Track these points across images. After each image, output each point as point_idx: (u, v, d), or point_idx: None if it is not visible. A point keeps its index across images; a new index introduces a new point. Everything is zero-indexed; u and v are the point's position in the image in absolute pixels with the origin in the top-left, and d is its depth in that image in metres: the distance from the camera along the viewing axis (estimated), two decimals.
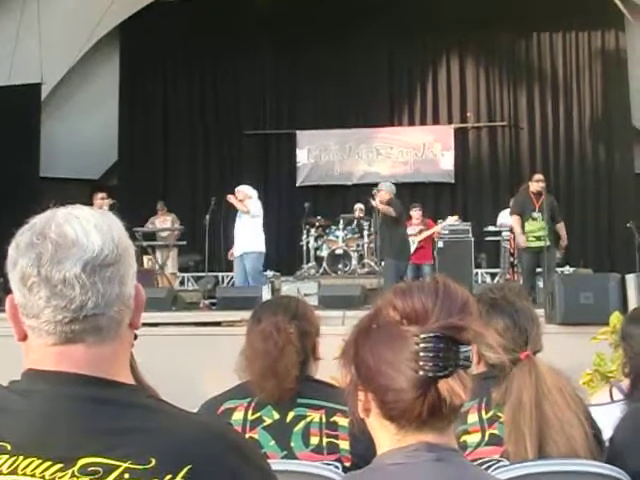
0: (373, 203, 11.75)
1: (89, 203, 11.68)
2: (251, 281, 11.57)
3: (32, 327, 1.38)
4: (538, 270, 11.09)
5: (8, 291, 1.42)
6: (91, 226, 1.39)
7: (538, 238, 10.82)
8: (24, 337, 1.40)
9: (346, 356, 1.54)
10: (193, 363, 7.08)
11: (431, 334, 1.42)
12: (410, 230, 12.71)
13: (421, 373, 1.41)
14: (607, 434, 2.61)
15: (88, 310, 1.36)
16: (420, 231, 12.77)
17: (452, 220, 13.48)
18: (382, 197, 11.64)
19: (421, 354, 1.42)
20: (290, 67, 18.32)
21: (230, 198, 12.05)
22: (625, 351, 3.21)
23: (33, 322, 1.37)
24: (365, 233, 14.82)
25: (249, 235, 11.87)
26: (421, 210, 13.20)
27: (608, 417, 2.75)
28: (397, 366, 1.43)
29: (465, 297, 1.48)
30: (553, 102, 17.92)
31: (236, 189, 12.25)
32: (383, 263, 11.80)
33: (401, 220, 11.77)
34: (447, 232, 13.15)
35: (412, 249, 12.61)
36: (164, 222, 14.93)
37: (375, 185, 12.31)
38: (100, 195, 12.55)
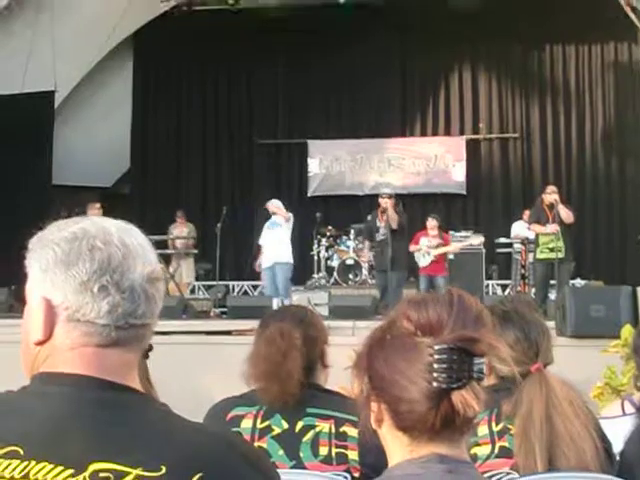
0: (382, 202, 11.67)
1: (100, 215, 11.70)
2: (282, 290, 11.71)
3: (73, 327, 1.38)
4: (552, 282, 11.01)
5: (21, 298, 1.42)
6: (144, 241, 1.44)
7: (551, 250, 10.77)
8: (48, 337, 1.39)
9: (359, 367, 1.54)
10: (203, 371, 7.09)
11: (445, 346, 1.42)
12: (426, 242, 12.60)
13: (435, 385, 1.41)
14: (618, 447, 2.60)
15: (146, 319, 1.41)
16: (438, 245, 12.59)
17: (477, 241, 13.31)
18: (392, 204, 11.62)
19: (435, 365, 1.41)
20: (302, 77, 18.32)
21: (270, 206, 12.27)
22: (637, 364, 3.20)
23: (83, 326, 1.38)
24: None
25: (283, 246, 12.07)
26: (437, 221, 12.98)
27: (619, 430, 2.74)
28: (411, 377, 1.43)
29: (479, 309, 1.48)
30: (565, 114, 17.89)
31: (270, 203, 12.41)
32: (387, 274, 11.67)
33: (402, 232, 11.71)
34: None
35: (427, 261, 12.49)
36: (181, 232, 14.95)
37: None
38: (97, 205, 12.49)
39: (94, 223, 1.43)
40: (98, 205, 12.48)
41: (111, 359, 1.39)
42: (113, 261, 1.38)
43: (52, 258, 1.39)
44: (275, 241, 12.07)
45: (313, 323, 3.01)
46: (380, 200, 11.84)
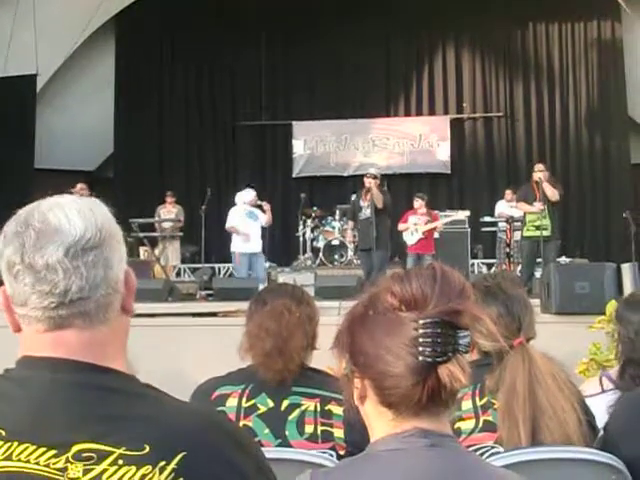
0: (366, 182, 11.64)
1: (87, 195, 11.66)
2: (263, 276, 12.24)
3: (22, 315, 1.39)
4: (538, 260, 11.03)
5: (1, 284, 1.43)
6: (74, 212, 1.40)
7: (537, 227, 10.78)
8: (18, 328, 1.41)
9: (340, 344, 1.54)
10: (189, 353, 7.08)
11: (430, 320, 1.42)
12: (415, 219, 12.61)
13: (420, 359, 1.41)
14: (600, 424, 2.62)
15: (73, 294, 1.37)
16: (427, 222, 12.62)
17: (462, 216, 13.36)
18: (376, 184, 11.61)
19: (420, 340, 1.42)
20: (286, 58, 18.28)
21: (266, 205, 12.77)
22: (619, 334, 3.21)
23: (22, 310, 1.38)
24: None
25: (260, 238, 12.64)
26: (424, 200, 13.00)
27: (599, 408, 2.77)
28: (396, 352, 1.43)
29: (462, 282, 1.48)
30: (549, 92, 17.92)
31: (255, 197, 12.79)
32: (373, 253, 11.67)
33: (385, 211, 11.70)
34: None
35: (416, 239, 12.50)
36: (168, 213, 14.85)
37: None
38: (79, 186, 12.55)
39: (30, 206, 1.43)
40: (80, 186, 12.49)
41: (70, 340, 1.38)
42: (27, 243, 1.37)
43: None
44: (256, 232, 12.52)
45: (310, 304, 3.02)
46: (365, 180, 11.83)
